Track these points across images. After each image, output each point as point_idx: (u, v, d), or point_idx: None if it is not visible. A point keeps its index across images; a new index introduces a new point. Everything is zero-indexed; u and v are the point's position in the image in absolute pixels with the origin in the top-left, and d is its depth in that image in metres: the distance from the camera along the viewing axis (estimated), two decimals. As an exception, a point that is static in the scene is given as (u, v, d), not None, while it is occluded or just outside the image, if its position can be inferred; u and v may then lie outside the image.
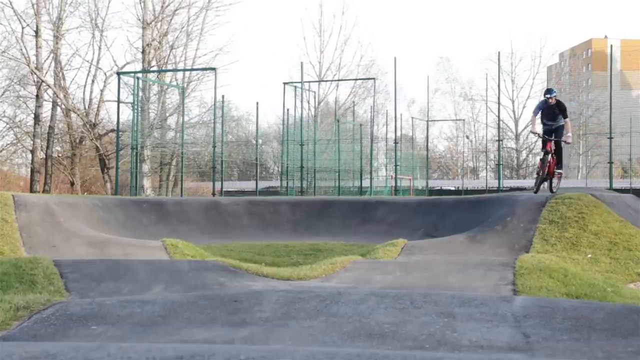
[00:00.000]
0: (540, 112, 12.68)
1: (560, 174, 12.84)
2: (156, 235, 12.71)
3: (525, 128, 50.15)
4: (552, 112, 12.52)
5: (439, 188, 35.56)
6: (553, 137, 12.47)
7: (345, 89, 41.20)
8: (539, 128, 12.64)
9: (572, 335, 3.96)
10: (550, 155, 12.42)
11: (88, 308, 4.77)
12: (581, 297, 7.03)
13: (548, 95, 12.53)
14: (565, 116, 12.41)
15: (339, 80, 38.24)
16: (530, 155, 51.01)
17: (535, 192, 12.76)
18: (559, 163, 12.66)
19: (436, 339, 3.85)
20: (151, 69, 27.77)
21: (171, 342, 3.86)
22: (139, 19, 28.26)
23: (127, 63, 29.23)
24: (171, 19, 29.14)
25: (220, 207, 15.72)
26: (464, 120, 46.38)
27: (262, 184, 35.83)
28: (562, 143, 12.54)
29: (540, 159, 12.74)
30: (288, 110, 27.09)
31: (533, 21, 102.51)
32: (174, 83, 29.48)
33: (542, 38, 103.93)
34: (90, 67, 30.09)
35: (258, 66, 77.87)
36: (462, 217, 13.10)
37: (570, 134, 12.42)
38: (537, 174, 12.82)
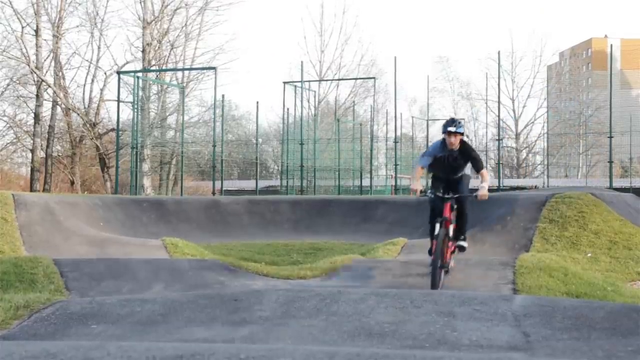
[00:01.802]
0: (430, 161, 7.87)
1: (462, 247, 8.08)
2: (156, 234, 12.70)
3: (525, 127, 50.06)
4: (452, 161, 7.82)
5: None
6: (451, 194, 7.75)
7: (345, 88, 41.21)
8: (420, 184, 8.01)
9: (572, 334, 3.96)
10: (447, 229, 7.54)
11: (88, 307, 4.77)
12: (581, 296, 7.03)
13: (451, 129, 7.61)
14: (478, 167, 7.78)
15: (339, 79, 38.24)
16: (530, 155, 50.95)
17: (433, 288, 7.03)
18: (460, 229, 7.98)
19: (436, 338, 3.85)
20: (151, 68, 27.77)
21: (171, 341, 3.86)
22: (139, 19, 28.26)
23: (127, 62, 29.27)
24: (171, 18, 29.16)
25: (220, 206, 15.72)
26: (464, 119, 46.34)
27: (262, 183, 35.82)
28: (469, 199, 7.88)
29: (431, 234, 7.67)
30: (288, 109, 27.10)
31: (533, 21, 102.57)
32: (174, 82, 29.47)
33: (543, 38, 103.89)
34: (90, 67, 30.13)
35: (258, 65, 77.92)
36: (462, 216, 13.06)
37: (486, 184, 7.64)
38: (432, 261, 7.33)
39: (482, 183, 7.65)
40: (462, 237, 8.05)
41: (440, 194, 7.69)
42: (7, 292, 6.03)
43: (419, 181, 7.98)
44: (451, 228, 7.64)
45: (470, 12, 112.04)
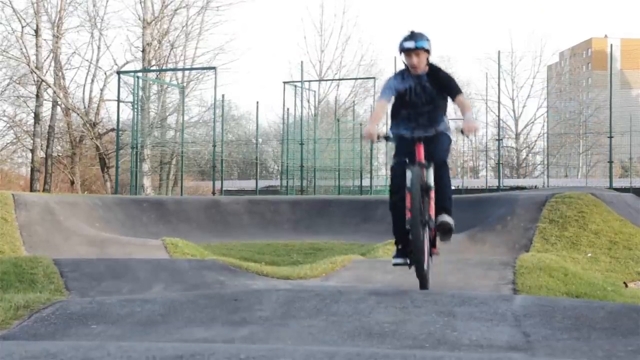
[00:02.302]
0: (393, 96, 5.60)
1: (445, 225, 5.42)
2: (156, 234, 12.70)
3: (525, 127, 50.03)
4: (421, 93, 5.56)
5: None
6: (423, 134, 5.54)
7: (345, 88, 41.18)
8: (378, 127, 5.68)
9: (572, 334, 3.96)
10: (423, 174, 5.34)
11: (88, 307, 4.77)
12: (581, 296, 7.03)
13: (408, 45, 5.43)
14: (454, 93, 5.59)
15: (339, 79, 38.23)
16: (530, 155, 50.91)
17: (423, 287, 5.58)
18: (440, 199, 5.46)
19: (436, 338, 3.85)
20: (151, 68, 27.77)
21: (171, 341, 3.86)
22: (139, 19, 28.27)
23: (127, 62, 29.28)
24: (171, 19, 29.18)
25: (220, 206, 15.72)
26: (463, 119, 46.25)
27: (262, 183, 35.84)
28: (449, 145, 5.76)
29: (397, 192, 5.41)
30: (288, 109, 27.09)
31: (533, 21, 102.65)
32: (174, 82, 29.48)
33: (543, 38, 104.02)
34: (90, 67, 30.15)
35: (258, 65, 77.91)
36: (462, 216, 13.01)
37: (470, 114, 5.57)
38: (410, 220, 5.22)
39: (466, 113, 5.50)
40: (444, 211, 5.46)
41: (409, 134, 5.51)
42: (7, 292, 6.03)
43: (378, 123, 5.69)
44: (430, 174, 5.37)
45: (470, 12, 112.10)
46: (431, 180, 5.39)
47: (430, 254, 5.69)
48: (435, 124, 5.65)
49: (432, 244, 5.69)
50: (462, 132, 5.55)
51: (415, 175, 5.23)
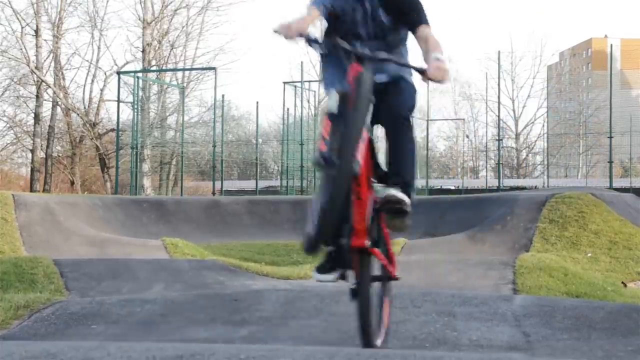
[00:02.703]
0: (327, 10, 3.58)
1: (395, 203, 3.35)
2: (156, 234, 12.70)
3: (525, 127, 49.99)
4: (370, 24, 3.61)
5: (439, 187, 35.58)
6: (367, 51, 3.41)
7: (345, 88, 41.17)
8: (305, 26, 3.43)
9: (572, 334, 3.96)
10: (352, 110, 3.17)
11: (88, 307, 4.77)
12: (581, 296, 7.04)
13: None
14: (415, 22, 3.66)
15: (339, 79, 38.17)
16: (530, 155, 50.88)
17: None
18: (397, 165, 3.47)
19: (436, 338, 3.85)
20: (151, 69, 27.77)
21: (171, 341, 3.86)
22: (139, 19, 28.27)
23: (127, 62, 29.27)
24: (172, 19, 29.17)
25: (220, 207, 15.72)
26: (463, 119, 46.33)
27: (262, 183, 35.82)
28: (413, 95, 3.57)
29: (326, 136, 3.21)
30: (288, 109, 27.08)
31: (533, 21, 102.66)
32: (174, 82, 29.48)
33: (543, 38, 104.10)
34: (90, 67, 30.14)
35: (258, 65, 77.84)
36: (462, 216, 13.08)
37: (440, 54, 3.38)
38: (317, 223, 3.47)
39: (433, 52, 3.45)
40: (399, 184, 3.45)
41: (344, 45, 3.49)
42: (7, 292, 6.03)
43: (302, 25, 3.49)
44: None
45: (470, 12, 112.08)
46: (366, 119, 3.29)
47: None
48: (393, 41, 3.71)
49: (385, 252, 3.72)
50: (423, 74, 3.38)
51: (348, 118, 3.21)
